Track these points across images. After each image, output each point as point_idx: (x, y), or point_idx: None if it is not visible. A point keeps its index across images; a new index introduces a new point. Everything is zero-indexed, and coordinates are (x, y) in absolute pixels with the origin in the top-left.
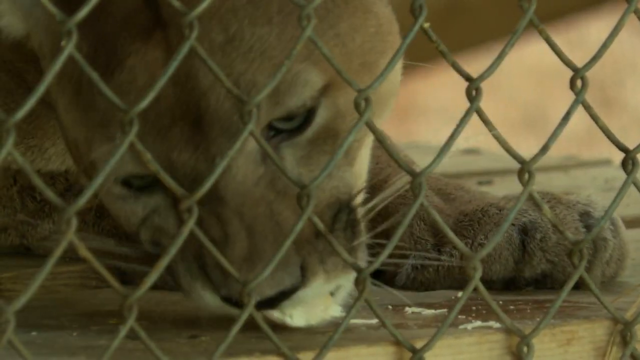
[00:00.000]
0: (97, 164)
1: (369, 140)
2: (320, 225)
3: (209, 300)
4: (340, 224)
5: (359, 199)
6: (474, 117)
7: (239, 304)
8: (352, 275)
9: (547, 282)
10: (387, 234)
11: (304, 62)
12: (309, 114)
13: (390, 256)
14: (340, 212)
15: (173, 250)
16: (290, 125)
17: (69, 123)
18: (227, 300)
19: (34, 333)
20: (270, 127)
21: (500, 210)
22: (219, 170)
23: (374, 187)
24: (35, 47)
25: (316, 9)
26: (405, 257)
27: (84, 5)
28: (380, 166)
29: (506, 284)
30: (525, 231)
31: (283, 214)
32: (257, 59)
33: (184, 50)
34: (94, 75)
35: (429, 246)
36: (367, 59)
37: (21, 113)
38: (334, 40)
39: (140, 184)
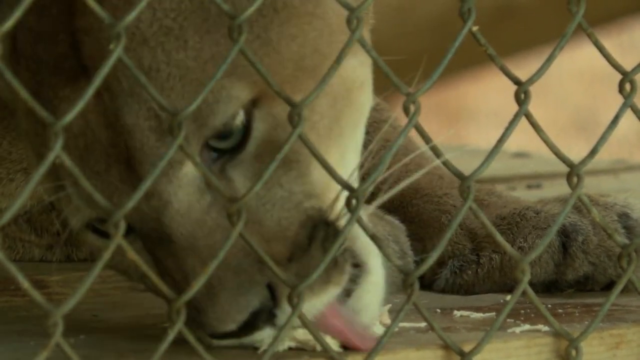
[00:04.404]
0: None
1: (337, 144)
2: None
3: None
4: (317, 242)
5: (337, 210)
6: (523, 121)
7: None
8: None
9: (588, 284)
10: (419, 238)
11: (227, 78)
12: (245, 130)
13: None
14: (317, 228)
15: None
16: (230, 144)
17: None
18: (222, 337)
19: (82, 336)
20: (209, 148)
21: (537, 214)
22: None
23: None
24: None
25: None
26: (443, 262)
27: (131, 9)
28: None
29: (547, 287)
30: (565, 233)
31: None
32: (177, 85)
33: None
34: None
35: (466, 251)
36: (306, 64)
37: (70, 116)
38: (263, 50)
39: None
